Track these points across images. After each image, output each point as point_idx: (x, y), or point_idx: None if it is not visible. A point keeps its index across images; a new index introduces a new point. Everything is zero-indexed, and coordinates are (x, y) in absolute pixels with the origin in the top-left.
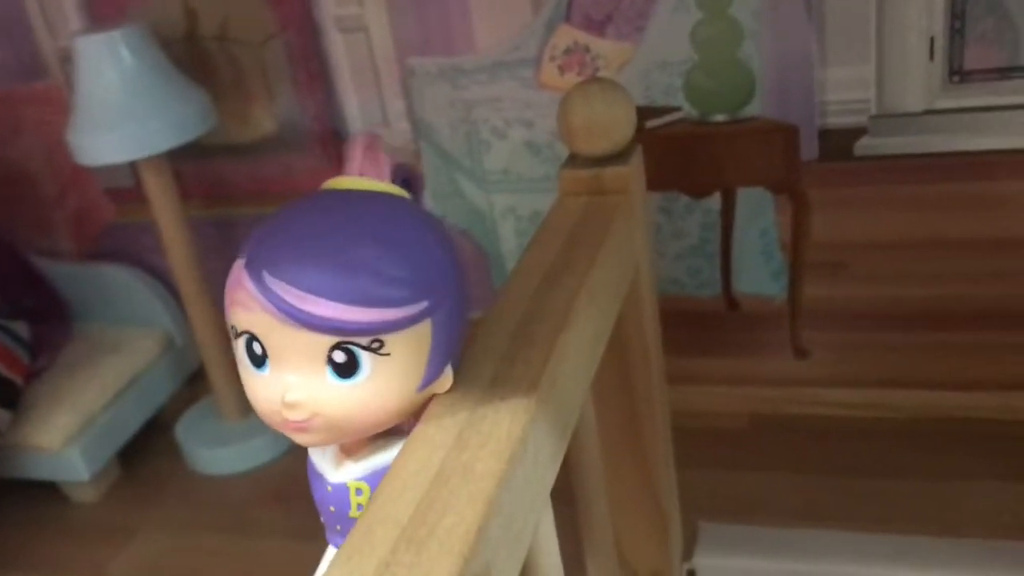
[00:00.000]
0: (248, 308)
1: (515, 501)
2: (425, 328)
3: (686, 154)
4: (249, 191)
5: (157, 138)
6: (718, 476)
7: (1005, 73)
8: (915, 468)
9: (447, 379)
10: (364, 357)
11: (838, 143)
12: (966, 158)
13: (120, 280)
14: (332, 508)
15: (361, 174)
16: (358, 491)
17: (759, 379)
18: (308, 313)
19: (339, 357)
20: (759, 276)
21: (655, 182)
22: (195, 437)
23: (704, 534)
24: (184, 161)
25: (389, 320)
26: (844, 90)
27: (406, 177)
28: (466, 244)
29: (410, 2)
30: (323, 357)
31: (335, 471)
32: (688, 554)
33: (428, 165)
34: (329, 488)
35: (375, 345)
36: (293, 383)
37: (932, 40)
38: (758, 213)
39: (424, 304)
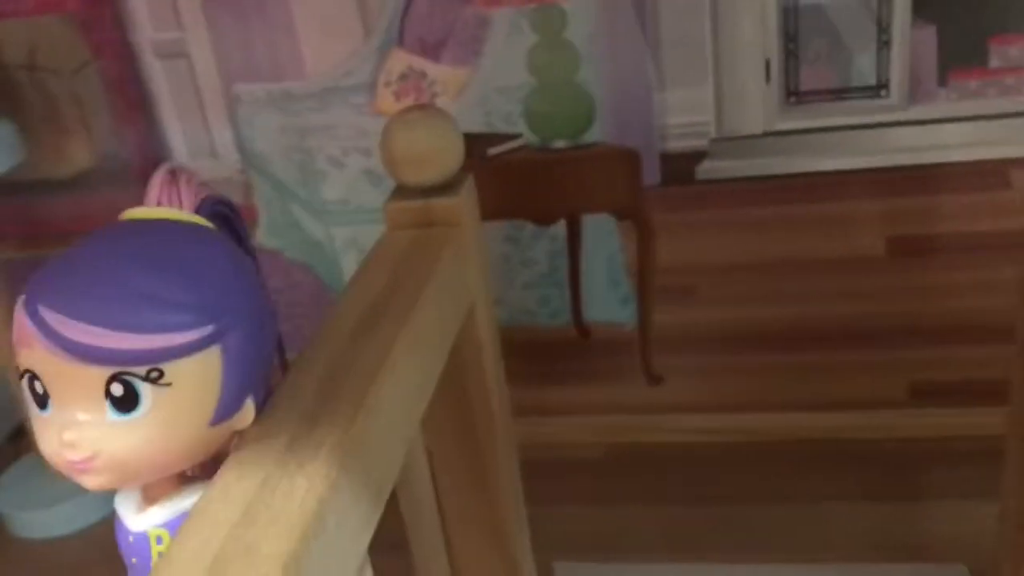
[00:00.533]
0: (28, 345)
1: None
2: (213, 356)
3: (528, 181)
4: (69, 230)
5: None
6: (575, 511)
7: (839, 94)
8: (777, 492)
9: (247, 413)
10: (144, 389)
11: (680, 167)
12: (807, 179)
13: None
14: (134, 560)
15: (159, 204)
16: (158, 539)
17: (614, 408)
18: (76, 342)
19: (116, 390)
20: (608, 303)
21: (499, 210)
22: (17, 499)
23: (560, 575)
24: None
25: (166, 347)
26: (683, 113)
27: (217, 210)
28: (306, 279)
29: (234, 25)
30: (101, 391)
31: (135, 517)
32: None
33: (261, 197)
34: (131, 538)
35: (154, 375)
36: (72, 421)
37: (768, 62)
38: (603, 240)
39: (208, 329)
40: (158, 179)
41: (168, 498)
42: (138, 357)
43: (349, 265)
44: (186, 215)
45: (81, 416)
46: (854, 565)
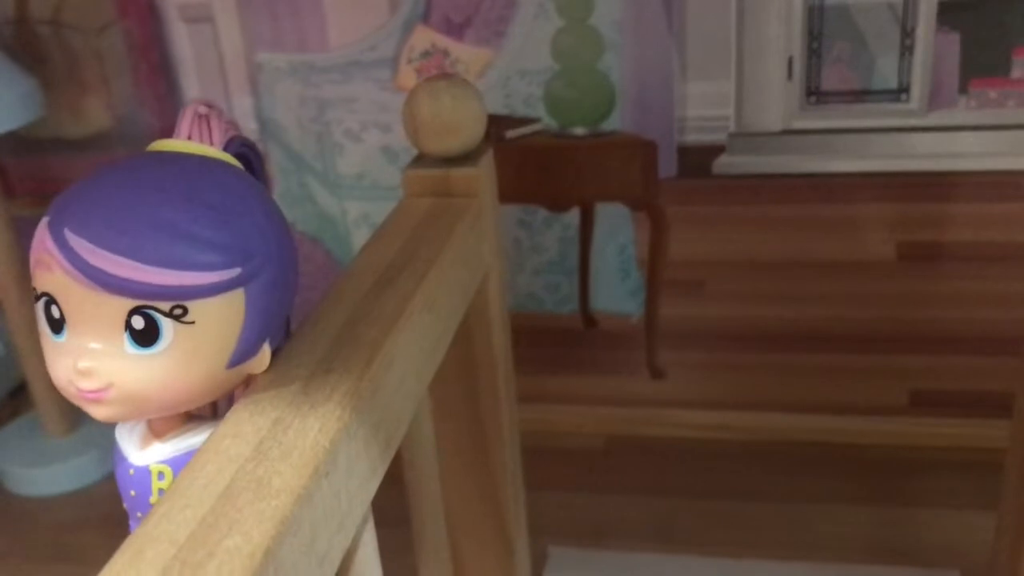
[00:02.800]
0: (48, 267)
1: (319, 520)
2: (237, 298)
3: (545, 167)
4: None
5: None
6: (572, 498)
7: (860, 96)
8: (771, 491)
9: (264, 358)
10: (165, 324)
11: (697, 160)
12: (822, 179)
13: None
14: (133, 492)
15: (189, 138)
16: (160, 475)
17: (615, 399)
18: (102, 271)
19: (138, 323)
20: (617, 294)
21: (513, 194)
22: (13, 455)
23: (553, 559)
24: (9, 155)
25: (194, 285)
26: (703, 107)
27: (243, 151)
28: (316, 252)
29: None
30: (121, 322)
31: (139, 452)
32: None
33: (276, 168)
34: (131, 471)
35: (177, 312)
36: (88, 349)
37: (790, 60)
38: (616, 230)
39: (236, 271)
40: (189, 112)
41: (174, 434)
42: (164, 292)
43: (360, 241)
44: (216, 152)
45: (97, 345)
46: (848, 566)
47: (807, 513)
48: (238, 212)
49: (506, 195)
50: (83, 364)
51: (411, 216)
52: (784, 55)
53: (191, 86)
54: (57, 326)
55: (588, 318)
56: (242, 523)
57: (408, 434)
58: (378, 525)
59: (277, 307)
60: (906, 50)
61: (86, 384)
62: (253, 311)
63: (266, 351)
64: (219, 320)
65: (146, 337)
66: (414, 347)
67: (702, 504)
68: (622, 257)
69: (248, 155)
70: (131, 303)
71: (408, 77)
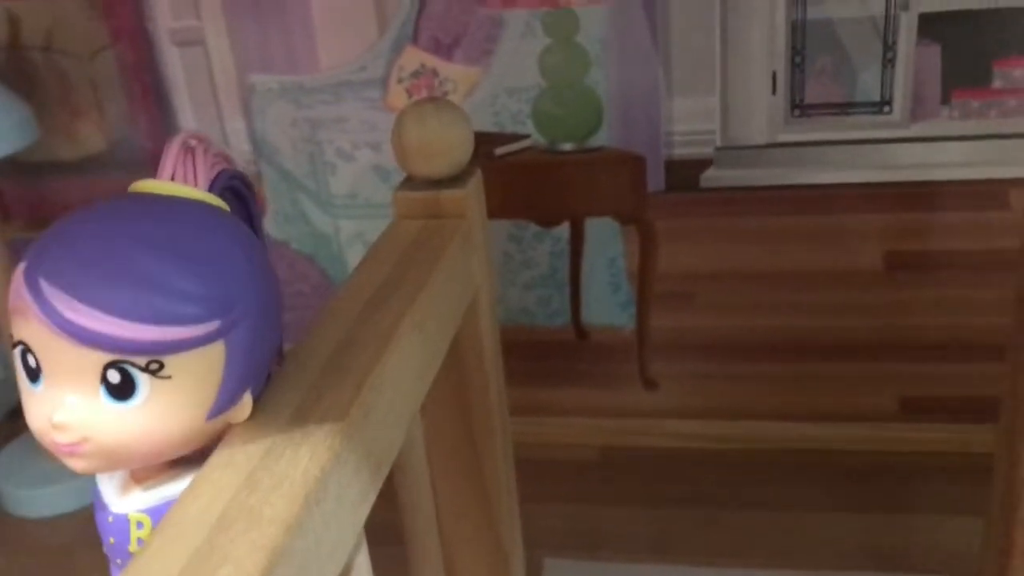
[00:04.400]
0: (24, 315)
1: (310, 548)
2: (216, 351)
3: (534, 182)
4: None
5: None
6: (567, 510)
7: (843, 108)
8: (765, 500)
9: (245, 407)
10: (141, 379)
11: (684, 174)
12: (808, 191)
13: None
14: (112, 540)
15: (173, 178)
16: (139, 524)
17: (609, 411)
18: (77, 325)
19: (113, 377)
20: (608, 306)
21: (504, 210)
22: (12, 477)
23: (549, 570)
24: (4, 179)
25: (170, 340)
26: (690, 121)
27: (232, 184)
28: (311, 271)
29: (251, 16)
30: (96, 375)
31: (119, 500)
32: None
33: (270, 188)
34: (110, 518)
35: (153, 367)
36: (63, 402)
37: (774, 74)
38: (606, 243)
39: (215, 324)
40: (174, 148)
41: (154, 483)
42: (139, 347)
43: (354, 259)
44: (200, 193)
45: (73, 398)
46: (841, 572)
47: (800, 521)
48: (218, 261)
49: (496, 211)
50: (58, 418)
51: (401, 238)
52: (768, 69)
53: (184, 109)
54: (33, 375)
55: (580, 331)
56: (234, 553)
57: (400, 455)
58: (372, 543)
59: (259, 355)
60: (888, 63)
61: (61, 438)
62: (233, 363)
63: (247, 400)
64: (197, 374)
65: (122, 391)
66: (404, 370)
67: (696, 513)
68: (612, 270)
69: (238, 188)
70: (106, 357)
71: (398, 97)
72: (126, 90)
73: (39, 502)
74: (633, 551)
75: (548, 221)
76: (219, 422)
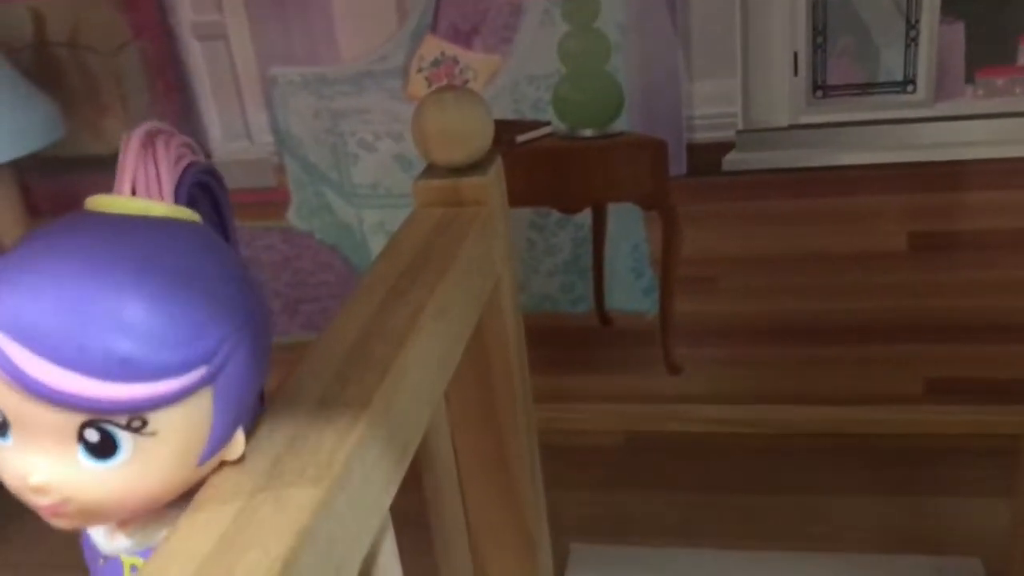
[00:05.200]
0: None
1: (337, 531)
2: (204, 398)
3: (555, 169)
4: None
5: None
6: (593, 496)
7: (865, 89)
8: (789, 483)
9: (237, 445)
10: (123, 437)
11: (706, 158)
12: (831, 172)
13: None
14: None
15: (134, 184)
16: (133, 568)
17: (633, 396)
18: (45, 386)
19: (92, 436)
20: (631, 292)
21: (525, 197)
22: None
23: (576, 555)
24: (33, 175)
25: (152, 396)
26: (711, 104)
27: (201, 179)
28: (335, 261)
29: (271, 9)
30: (72, 435)
31: (108, 541)
32: None
33: (293, 179)
34: (102, 561)
35: (136, 424)
36: (37, 463)
37: (795, 55)
38: (629, 229)
39: (200, 372)
40: (132, 148)
41: (145, 525)
42: (117, 407)
43: (377, 248)
44: (165, 208)
45: (48, 459)
46: (868, 556)
47: (826, 504)
48: (196, 297)
49: (518, 198)
50: (34, 480)
51: (422, 226)
52: (789, 50)
53: (206, 102)
54: (2, 428)
55: (604, 317)
56: (261, 538)
57: (424, 440)
58: (398, 526)
59: (251, 388)
60: (911, 41)
61: (41, 500)
62: (223, 405)
63: (239, 438)
64: (185, 426)
65: (102, 451)
66: (427, 357)
67: (722, 498)
68: (635, 256)
69: (207, 182)
70: (82, 417)
71: (419, 86)
72: (149, 84)
73: None
74: (659, 535)
75: (570, 208)
76: (212, 465)
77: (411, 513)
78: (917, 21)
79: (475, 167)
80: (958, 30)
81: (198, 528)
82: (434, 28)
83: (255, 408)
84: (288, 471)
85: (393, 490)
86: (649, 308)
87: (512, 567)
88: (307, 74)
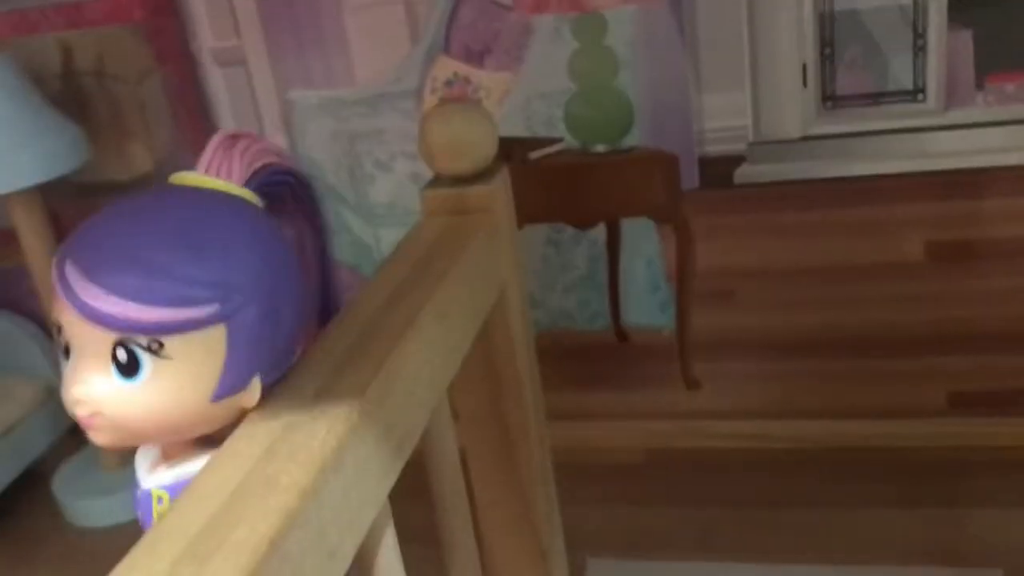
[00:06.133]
0: (57, 298)
1: (327, 516)
2: (217, 334)
3: (568, 185)
4: None
5: (25, 172)
6: (612, 511)
7: (875, 98)
8: (809, 497)
9: (254, 392)
10: (145, 358)
11: (718, 171)
12: (844, 183)
13: None
14: (140, 514)
15: (207, 171)
16: (159, 499)
17: (653, 412)
18: (87, 304)
19: (121, 355)
20: (647, 307)
21: (539, 213)
22: (74, 489)
23: (592, 570)
24: (61, 201)
25: (168, 320)
26: (721, 118)
27: (277, 179)
28: (354, 280)
29: (288, 34)
30: (107, 353)
31: (147, 476)
32: None
33: None
34: (139, 493)
35: (154, 346)
36: (82, 378)
37: (804, 67)
38: (643, 244)
39: (214, 307)
40: (214, 144)
41: (179, 461)
42: (138, 326)
43: None
44: (228, 186)
45: (90, 375)
46: (891, 568)
47: (848, 518)
48: (223, 248)
49: (532, 214)
50: (75, 391)
51: (427, 234)
52: (798, 62)
53: (227, 126)
54: (66, 351)
55: (621, 333)
56: (250, 517)
57: (427, 441)
58: (412, 543)
59: (268, 341)
60: (919, 50)
61: (79, 410)
62: (237, 347)
63: (256, 385)
64: (197, 355)
65: (129, 369)
66: (425, 355)
67: (742, 513)
68: (650, 271)
69: (289, 182)
70: (114, 336)
71: (430, 107)
72: (172, 111)
73: (98, 512)
74: (678, 550)
75: (584, 223)
76: (229, 406)
77: (427, 530)
78: (924, 30)
79: (480, 176)
80: (966, 38)
81: (191, 506)
82: (447, 49)
83: (282, 369)
84: (280, 455)
85: (390, 482)
86: (666, 323)
87: None
88: (324, 97)
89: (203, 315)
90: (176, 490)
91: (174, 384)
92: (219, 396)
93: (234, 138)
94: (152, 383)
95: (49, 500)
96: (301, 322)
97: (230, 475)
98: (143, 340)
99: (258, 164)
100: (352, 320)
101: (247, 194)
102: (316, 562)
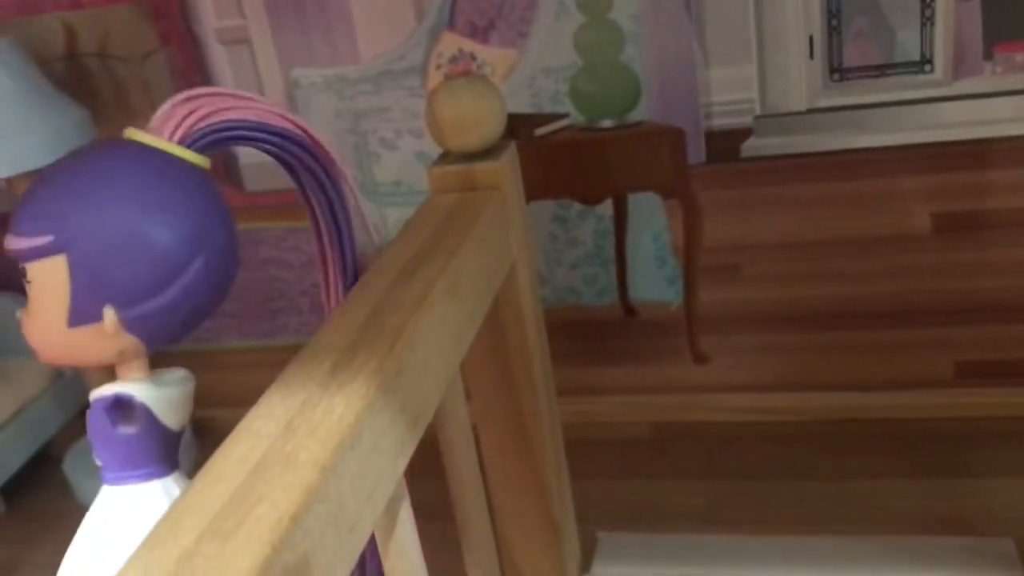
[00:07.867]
0: None
1: (346, 490)
2: (59, 263)
3: (575, 161)
4: None
5: (30, 154)
6: (620, 485)
7: (882, 70)
8: (816, 469)
9: (108, 323)
10: (26, 285)
11: (725, 145)
12: (851, 156)
13: (5, 309)
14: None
15: (152, 128)
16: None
17: (660, 386)
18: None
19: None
20: (654, 282)
21: (546, 189)
22: (84, 469)
23: (603, 544)
24: None
25: (15, 248)
26: (728, 91)
27: (221, 136)
28: (360, 259)
29: (292, 11)
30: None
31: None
32: (586, 565)
33: None
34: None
35: (23, 272)
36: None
37: (811, 39)
38: (649, 219)
39: (46, 239)
40: (167, 105)
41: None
42: (12, 255)
43: None
44: (157, 142)
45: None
46: (899, 538)
47: (855, 489)
48: (70, 188)
49: (539, 191)
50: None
51: (436, 211)
52: (804, 34)
53: None
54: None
55: (628, 308)
56: (271, 493)
57: (441, 417)
58: (428, 518)
59: (113, 276)
60: (926, 20)
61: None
62: (79, 276)
63: (110, 316)
64: (45, 281)
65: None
66: (438, 330)
67: (749, 485)
68: (657, 245)
69: (241, 136)
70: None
71: (437, 83)
72: (176, 91)
73: None
74: (687, 523)
75: (591, 199)
76: (93, 335)
77: (442, 506)
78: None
79: (489, 152)
80: (974, 7)
81: (211, 484)
82: (451, 25)
83: (146, 306)
84: (300, 432)
85: (406, 457)
86: (673, 297)
87: (538, 555)
88: (328, 75)
89: (39, 245)
90: (98, 405)
91: (38, 307)
92: (75, 322)
93: (188, 100)
94: (29, 307)
95: (61, 480)
96: (197, 277)
97: (250, 453)
98: (23, 269)
99: (204, 124)
100: (364, 296)
101: (179, 151)
102: (336, 537)
